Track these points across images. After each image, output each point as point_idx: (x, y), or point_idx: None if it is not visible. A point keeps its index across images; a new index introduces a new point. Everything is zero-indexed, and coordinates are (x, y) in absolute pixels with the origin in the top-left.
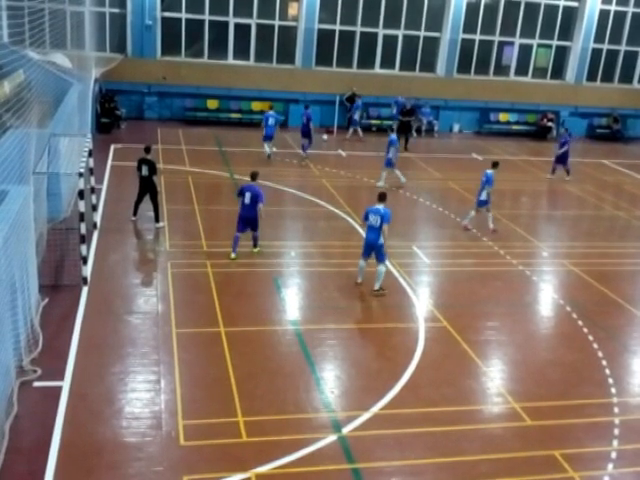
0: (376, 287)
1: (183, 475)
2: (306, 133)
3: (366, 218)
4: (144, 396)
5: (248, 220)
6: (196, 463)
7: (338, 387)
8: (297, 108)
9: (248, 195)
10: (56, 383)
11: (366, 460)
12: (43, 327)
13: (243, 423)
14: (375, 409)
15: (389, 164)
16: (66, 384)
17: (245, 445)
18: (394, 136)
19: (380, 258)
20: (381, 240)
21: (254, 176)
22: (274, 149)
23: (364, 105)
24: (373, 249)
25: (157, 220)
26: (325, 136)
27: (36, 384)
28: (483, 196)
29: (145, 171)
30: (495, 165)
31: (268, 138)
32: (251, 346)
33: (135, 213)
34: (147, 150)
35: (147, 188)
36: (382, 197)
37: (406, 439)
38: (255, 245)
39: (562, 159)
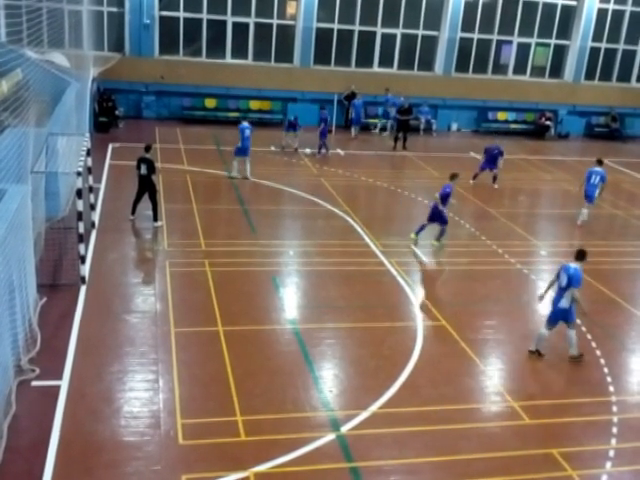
0: (572, 353)
1: (182, 474)
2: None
3: (558, 276)
4: (143, 395)
5: (433, 213)
6: (195, 462)
7: (336, 386)
8: (295, 107)
9: (438, 195)
10: (54, 382)
11: (364, 459)
12: (41, 326)
13: (242, 422)
14: (373, 408)
15: (239, 153)
16: (64, 383)
17: (244, 444)
18: (245, 124)
19: (568, 319)
20: (562, 303)
21: (453, 177)
22: (272, 147)
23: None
24: (558, 315)
25: (155, 219)
26: (308, 150)
27: (34, 383)
28: (597, 192)
29: (144, 170)
30: (601, 162)
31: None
32: (249, 345)
33: (133, 212)
34: (147, 149)
35: (146, 187)
36: (580, 255)
37: (404, 438)
38: (437, 239)
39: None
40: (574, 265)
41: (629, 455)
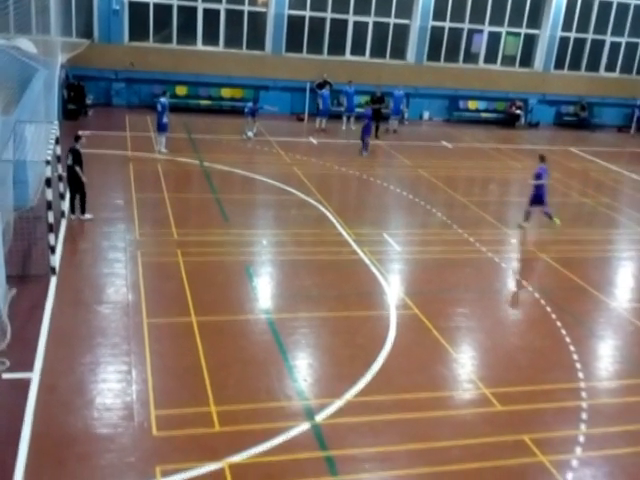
0: None
1: (156, 465)
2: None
3: None
4: (115, 387)
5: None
6: (169, 453)
7: (311, 375)
8: (267, 95)
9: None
10: (25, 375)
11: (339, 447)
12: (11, 318)
13: (216, 412)
14: (348, 396)
15: (164, 129)
16: (36, 375)
17: (218, 435)
18: (164, 99)
19: None
20: None
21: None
22: (251, 133)
23: (335, 92)
24: None
25: (83, 211)
26: (250, 133)
27: (5, 376)
28: None
29: (70, 160)
30: None
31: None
32: (223, 335)
33: (73, 210)
34: (76, 139)
35: (71, 178)
36: None
37: (379, 426)
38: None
39: None
40: None
41: (598, 440)
